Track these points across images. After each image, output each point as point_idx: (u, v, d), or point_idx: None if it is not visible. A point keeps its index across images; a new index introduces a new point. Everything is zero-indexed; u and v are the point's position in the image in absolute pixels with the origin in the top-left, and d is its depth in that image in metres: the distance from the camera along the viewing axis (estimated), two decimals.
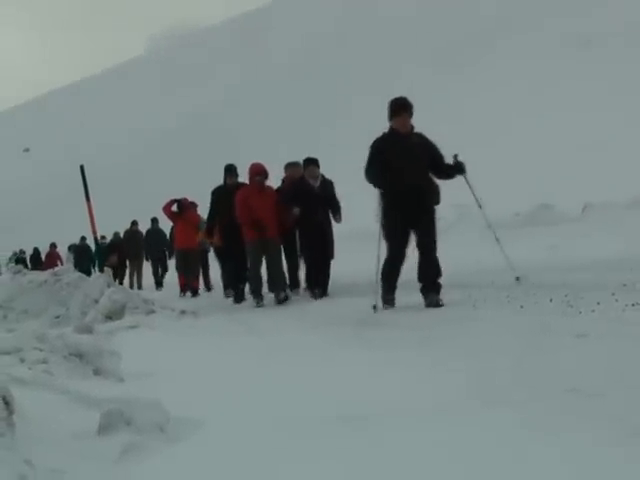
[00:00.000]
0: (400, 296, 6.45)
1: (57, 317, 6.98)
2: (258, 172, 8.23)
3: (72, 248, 21.84)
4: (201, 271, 12.79)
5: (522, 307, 5.11)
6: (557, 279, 6.26)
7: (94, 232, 10.14)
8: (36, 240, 27.46)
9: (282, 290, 8.02)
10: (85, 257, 18.94)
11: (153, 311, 7.01)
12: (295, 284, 8.69)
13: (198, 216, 12.08)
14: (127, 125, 63.15)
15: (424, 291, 5.86)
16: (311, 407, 2.78)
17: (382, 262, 6.02)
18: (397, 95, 6.27)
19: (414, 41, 45.49)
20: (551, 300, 5.16)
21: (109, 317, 6.64)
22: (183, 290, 11.97)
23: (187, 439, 2.45)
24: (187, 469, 2.18)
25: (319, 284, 7.94)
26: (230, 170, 9.24)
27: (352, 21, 58.95)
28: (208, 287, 12.78)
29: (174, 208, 11.81)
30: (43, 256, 24.40)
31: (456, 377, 3.08)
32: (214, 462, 2.23)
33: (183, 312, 7.05)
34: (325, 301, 7.51)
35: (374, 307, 5.80)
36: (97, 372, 3.67)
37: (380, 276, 6.00)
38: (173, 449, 2.35)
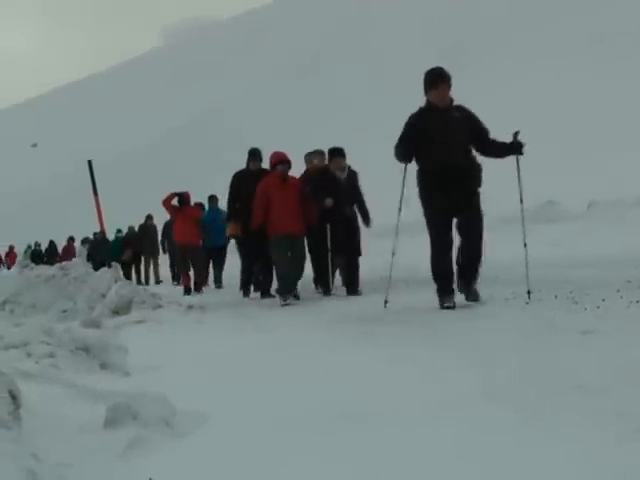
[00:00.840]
0: (405, 293, 6.46)
1: (64, 311, 7.01)
2: (280, 160, 7.62)
3: (85, 242, 21.68)
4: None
5: (527, 303, 5.11)
6: (562, 276, 6.26)
7: (101, 227, 10.17)
8: (42, 234, 27.54)
9: (293, 288, 7.57)
10: (102, 251, 18.55)
11: (160, 306, 7.03)
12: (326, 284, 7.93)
13: (199, 211, 11.87)
14: (134, 121, 63.25)
15: (464, 283, 5.42)
16: (317, 403, 2.77)
17: (389, 259, 5.69)
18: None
19: (418, 38, 45.41)
20: (556, 297, 5.16)
21: (116, 312, 6.66)
22: (187, 289, 11.38)
23: (193, 433, 2.46)
24: (193, 463, 2.18)
25: (348, 282, 7.54)
26: (254, 154, 8.65)
27: (360, 19, 58.81)
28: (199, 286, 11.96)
29: (174, 202, 11.39)
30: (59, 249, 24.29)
31: (462, 374, 3.08)
32: (220, 456, 2.23)
33: (190, 307, 7.06)
34: (335, 298, 7.45)
35: (385, 303, 5.61)
36: (104, 366, 3.68)
37: (431, 275, 5.44)
38: (179, 443, 2.35)
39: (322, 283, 8.00)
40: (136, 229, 17.76)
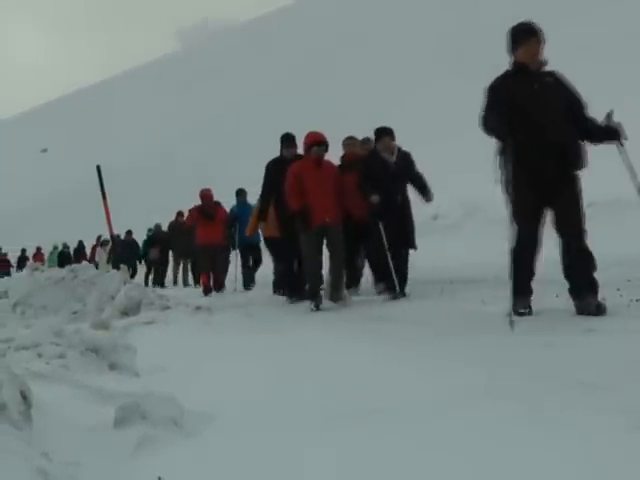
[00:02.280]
0: (410, 291, 6.44)
1: (74, 313, 7.05)
2: (317, 141, 6.69)
3: (105, 243, 20.55)
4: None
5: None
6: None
7: (110, 231, 10.20)
8: (52, 237, 27.55)
9: (340, 290, 6.69)
10: (131, 252, 17.94)
11: (168, 307, 7.06)
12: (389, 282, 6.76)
13: (222, 210, 11.34)
14: (145, 126, 63.37)
15: (576, 292, 4.36)
16: (324, 402, 2.79)
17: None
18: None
19: (421, 44, 45.37)
20: (557, 296, 5.17)
21: (125, 313, 6.70)
22: (207, 290, 10.90)
23: (201, 433, 2.47)
24: (201, 462, 2.20)
25: (398, 279, 6.46)
26: (288, 139, 7.61)
27: (373, 22, 58.78)
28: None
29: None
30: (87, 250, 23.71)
31: (466, 372, 3.09)
32: (228, 455, 2.24)
33: (198, 308, 7.08)
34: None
35: (510, 320, 4.05)
36: (113, 367, 3.71)
37: (509, 273, 4.32)
38: (187, 442, 2.37)
39: (386, 285, 6.79)
40: (164, 227, 16.79)
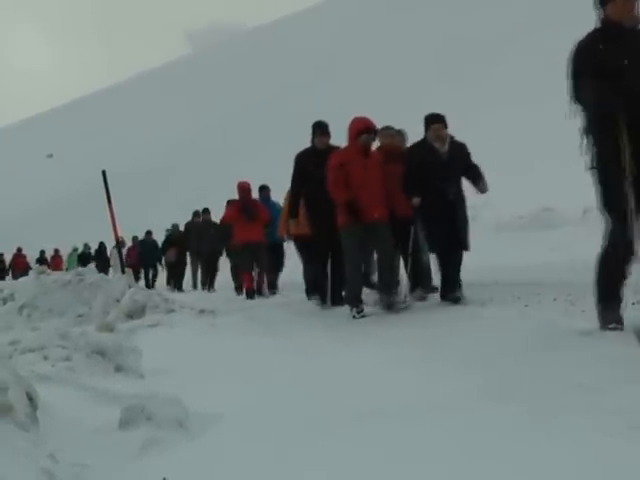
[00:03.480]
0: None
1: (80, 316, 7.07)
2: (366, 128, 5.92)
3: (122, 244, 19.79)
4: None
5: (527, 306, 5.14)
6: (560, 279, 6.26)
7: (116, 236, 10.21)
8: (57, 242, 27.57)
9: (393, 292, 5.97)
10: (151, 253, 17.11)
11: (173, 310, 7.07)
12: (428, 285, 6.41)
13: (265, 210, 10.07)
14: (151, 131, 63.45)
15: None
16: (327, 404, 2.81)
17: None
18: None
19: (423, 51, 45.43)
20: (555, 299, 5.18)
21: (130, 316, 6.72)
22: (250, 292, 9.81)
23: (206, 434, 2.49)
24: (206, 463, 2.21)
25: (445, 282, 5.87)
26: (321, 127, 6.75)
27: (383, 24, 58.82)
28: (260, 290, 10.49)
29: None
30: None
31: (464, 374, 3.11)
32: (232, 457, 2.25)
33: (202, 311, 7.10)
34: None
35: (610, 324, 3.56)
36: (118, 369, 3.72)
37: (595, 279, 3.78)
38: (192, 444, 2.38)
39: (423, 287, 6.34)
40: (181, 227, 15.68)
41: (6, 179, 62.24)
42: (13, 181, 62.14)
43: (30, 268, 24.91)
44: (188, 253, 15.13)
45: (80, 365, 3.60)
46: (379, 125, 6.42)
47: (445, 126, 5.90)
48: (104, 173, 9.41)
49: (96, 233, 22.45)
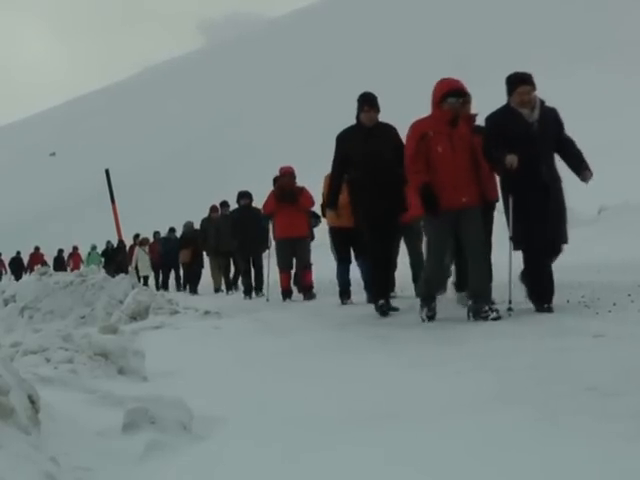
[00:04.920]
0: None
1: (82, 317, 7.07)
2: (453, 89, 4.94)
3: (142, 242, 17.90)
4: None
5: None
6: (574, 280, 6.23)
7: (119, 235, 10.21)
8: (60, 242, 27.56)
9: (487, 300, 4.87)
10: (175, 251, 15.49)
11: (177, 312, 7.06)
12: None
13: (308, 196, 8.76)
14: (154, 129, 63.57)
15: None
16: (334, 406, 2.78)
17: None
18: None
19: (426, 47, 45.53)
20: (568, 301, 5.15)
21: (133, 317, 6.71)
22: (286, 293, 8.83)
23: (210, 437, 2.46)
24: (210, 467, 2.18)
25: (537, 284, 4.88)
26: (367, 100, 5.75)
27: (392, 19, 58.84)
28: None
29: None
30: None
31: (476, 376, 3.08)
32: (237, 460, 2.22)
33: (207, 312, 7.08)
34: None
35: None
36: (121, 371, 3.70)
37: None
38: (196, 447, 2.35)
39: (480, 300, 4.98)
40: (196, 225, 14.14)
41: (8, 177, 62.39)
42: (14, 179, 62.27)
43: (49, 267, 24.72)
44: (205, 253, 13.66)
45: (83, 367, 3.57)
46: None
47: (534, 88, 4.85)
48: (107, 172, 9.40)
49: (99, 233, 22.43)
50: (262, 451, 2.28)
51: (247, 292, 10.40)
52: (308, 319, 6.36)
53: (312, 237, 9.53)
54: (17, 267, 26.96)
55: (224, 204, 12.74)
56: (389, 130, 5.78)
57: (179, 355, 4.42)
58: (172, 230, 16.50)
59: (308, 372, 3.55)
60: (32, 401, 2.28)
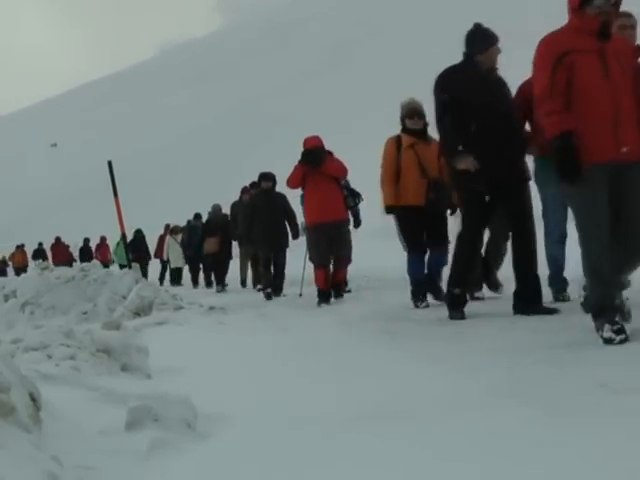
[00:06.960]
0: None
1: (84, 313, 7.04)
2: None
3: (173, 230, 17.30)
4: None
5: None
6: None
7: (122, 228, 10.14)
8: (61, 234, 27.49)
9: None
10: (196, 239, 14.14)
11: (181, 307, 7.03)
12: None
13: (340, 165, 7.31)
14: (155, 121, 63.60)
15: None
16: (339, 404, 2.75)
17: None
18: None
19: (437, 38, 45.44)
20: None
21: (137, 313, 6.68)
22: (324, 293, 7.23)
23: (215, 435, 2.44)
24: (215, 465, 2.16)
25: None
26: (486, 36, 4.77)
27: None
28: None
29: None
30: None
31: (485, 373, 3.06)
32: (242, 458, 2.20)
33: (211, 308, 7.06)
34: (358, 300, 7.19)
35: None
36: (124, 368, 3.67)
37: None
38: (201, 445, 2.33)
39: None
40: (224, 210, 12.76)
41: (9, 168, 62.53)
42: (16, 170, 62.41)
43: (74, 260, 23.98)
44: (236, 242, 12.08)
45: (85, 364, 3.54)
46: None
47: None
48: (110, 164, 9.32)
49: (101, 225, 22.40)
50: (269, 450, 2.25)
51: (265, 289, 9.21)
52: (316, 315, 6.31)
53: (357, 223, 8.44)
54: (42, 257, 25.25)
55: (254, 185, 10.86)
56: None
57: (183, 352, 4.39)
58: (198, 217, 15.00)
59: (315, 369, 3.52)
60: (33, 399, 2.26)
